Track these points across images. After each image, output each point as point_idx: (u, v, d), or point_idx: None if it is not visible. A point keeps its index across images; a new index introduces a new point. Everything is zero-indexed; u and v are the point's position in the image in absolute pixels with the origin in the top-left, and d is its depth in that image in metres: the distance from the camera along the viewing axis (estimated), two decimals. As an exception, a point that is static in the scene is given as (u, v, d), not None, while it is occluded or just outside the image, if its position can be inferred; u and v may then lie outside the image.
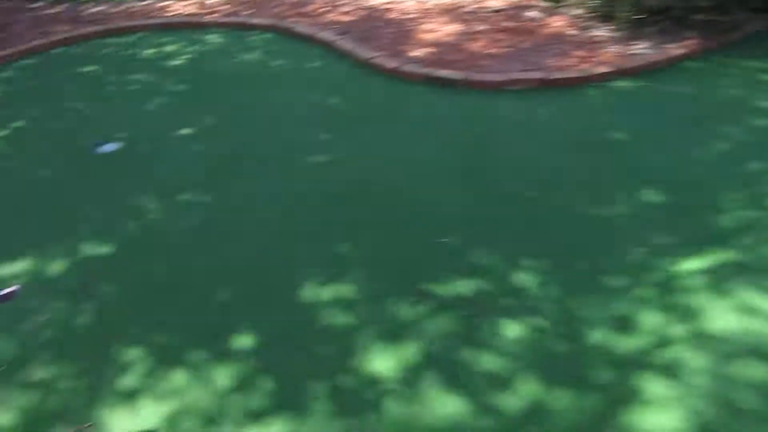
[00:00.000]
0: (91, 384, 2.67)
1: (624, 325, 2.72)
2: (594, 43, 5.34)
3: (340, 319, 2.89)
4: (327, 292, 3.05)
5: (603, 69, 4.87)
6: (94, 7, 7.71)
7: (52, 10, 7.59)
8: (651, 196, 3.52)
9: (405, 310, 2.89)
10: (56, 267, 3.39)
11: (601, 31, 5.52)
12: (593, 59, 5.07)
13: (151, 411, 2.53)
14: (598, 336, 2.68)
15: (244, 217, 3.66)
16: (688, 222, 3.29)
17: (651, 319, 2.73)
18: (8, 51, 6.21)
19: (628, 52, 5.12)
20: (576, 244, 3.22)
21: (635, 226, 3.30)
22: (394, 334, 2.78)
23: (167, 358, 2.76)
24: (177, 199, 3.88)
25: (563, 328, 2.73)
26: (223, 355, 2.75)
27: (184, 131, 4.61)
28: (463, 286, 3.00)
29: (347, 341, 2.77)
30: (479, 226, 3.42)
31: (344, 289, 3.06)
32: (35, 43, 6.38)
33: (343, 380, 2.58)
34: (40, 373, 2.75)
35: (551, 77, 4.82)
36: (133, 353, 2.80)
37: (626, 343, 2.63)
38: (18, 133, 4.80)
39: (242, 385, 2.60)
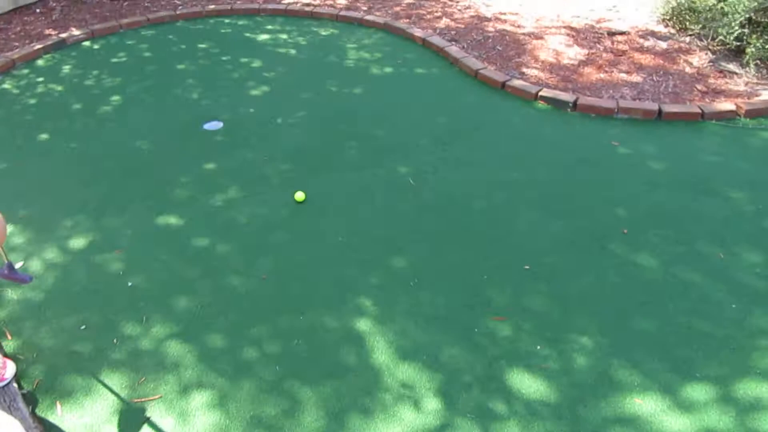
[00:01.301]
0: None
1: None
2: (718, 79, 5.03)
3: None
4: (402, 306, 3.03)
5: (724, 107, 4.56)
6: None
7: (179, -15, 7.94)
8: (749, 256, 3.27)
9: (473, 320, 2.83)
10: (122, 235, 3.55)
11: (729, 66, 5.18)
12: (714, 95, 4.77)
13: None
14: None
15: (324, 214, 3.69)
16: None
17: None
18: (134, 19, 6.54)
19: (755, 93, 4.79)
20: (666, 302, 3.04)
21: (720, 279, 3.07)
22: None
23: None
24: (266, 188, 3.96)
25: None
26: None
27: (283, 120, 4.71)
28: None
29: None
30: (561, 257, 3.29)
31: (422, 300, 3.03)
32: (159, 14, 6.69)
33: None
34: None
35: (666, 110, 4.57)
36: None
37: None
38: (128, 101, 5.04)
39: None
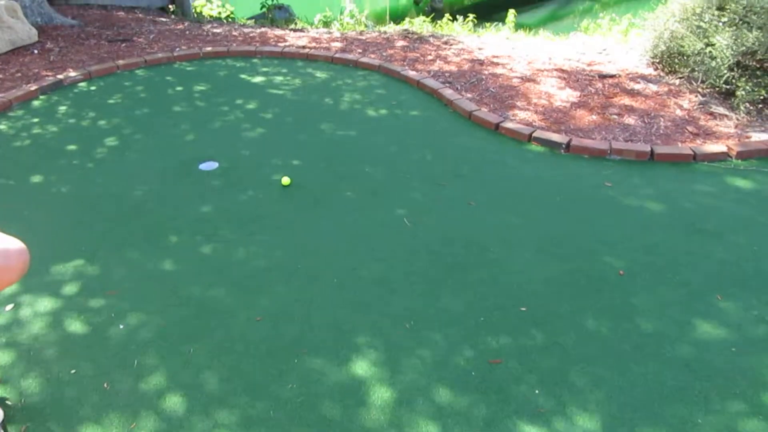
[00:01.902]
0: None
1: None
2: (708, 121, 5.10)
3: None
4: (402, 345, 2.99)
5: (716, 149, 4.62)
6: (215, 27, 8.15)
7: (176, 27, 8.07)
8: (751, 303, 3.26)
9: (474, 366, 2.79)
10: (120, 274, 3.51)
11: (719, 109, 5.27)
12: (706, 137, 4.84)
13: None
14: None
15: (318, 255, 3.67)
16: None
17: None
18: (131, 60, 6.62)
19: (746, 134, 4.86)
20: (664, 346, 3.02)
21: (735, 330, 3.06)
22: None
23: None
24: (261, 229, 3.95)
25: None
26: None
27: (279, 161, 4.72)
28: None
29: (415, 402, 2.67)
30: (558, 298, 3.28)
31: (417, 343, 2.99)
32: (157, 55, 6.78)
33: None
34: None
35: (658, 151, 4.62)
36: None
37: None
38: (124, 142, 5.06)
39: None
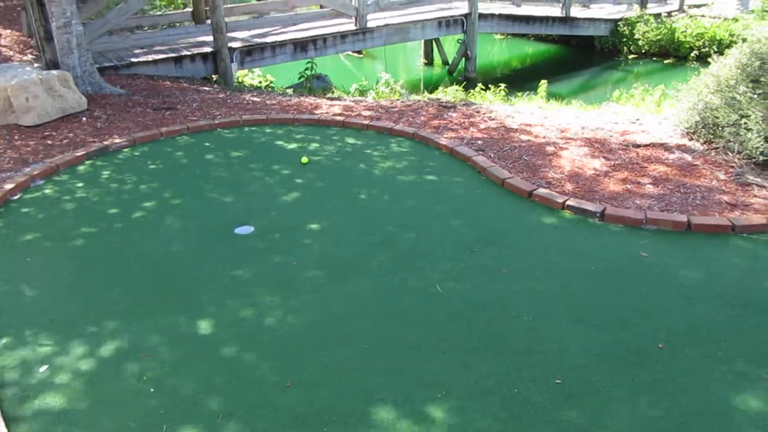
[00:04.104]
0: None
1: None
2: (746, 192, 5.03)
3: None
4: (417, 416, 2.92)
5: (755, 220, 4.53)
6: (254, 96, 8.46)
7: (218, 96, 8.40)
8: (807, 373, 3.12)
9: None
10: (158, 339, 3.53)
11: (756, 180, 5.20)
12: (743, 209, 4.76)
13: None
14: None
15: (351, 320, 3.65)
16: None
17: None
18: (174, 128, 6.88)
19: (785, 206, 4.77)
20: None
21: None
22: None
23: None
24: (295, 293, 3.97)
25: None
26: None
27: (313, 226, 4.78)
28: None
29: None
30: (594, 371, 3.18)
31: (449, 413, 2.91)
32: (199, 123, 7.04)
33: None
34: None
35: (695, 221, 4.55)
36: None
37: None
38: (163, 206, 5.19)
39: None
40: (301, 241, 4.58)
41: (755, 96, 5.44)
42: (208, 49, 9.85)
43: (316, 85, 10.46)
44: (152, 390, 3.14)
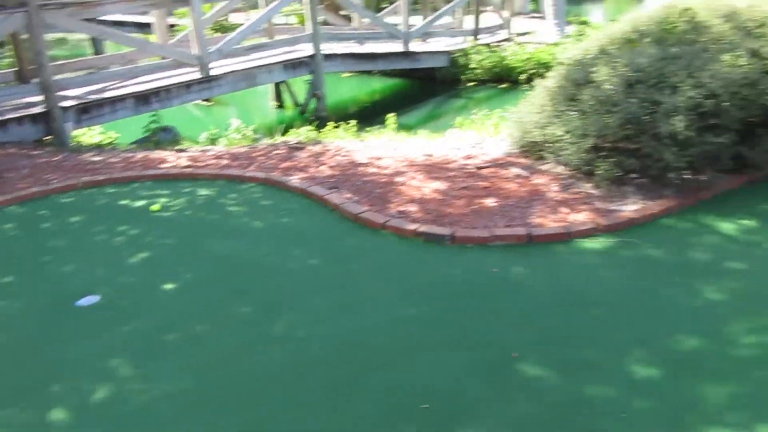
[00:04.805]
0: None
1: None
2: (576, 200, 5.49)
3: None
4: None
5: (584, 226, 4.95)
6: (95, 156, 7.99)
7: (52, 159, 7.84)
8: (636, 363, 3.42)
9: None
10: None
11: (583, 189, 5.69)
12: (575, 216, 5.18)
13: None
14: None
15: (219, 387, 3.51)
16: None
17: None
18: (1, 198, 6.31)
19: (609, 209, 5.25)
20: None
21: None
22: None
23: None
24: (152, 362, 3.74)
25: None
26: None
27: (166, 286, 4.56)
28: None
29: None
30: (460, 390, 3.28)
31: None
32: (30, 190, 6.51)
33: None
34: None
35: (535, 233, 4.89)
36: None
37: None
38: (-2, 284, 4.73)
39: None
40: (154, 303, 4.34)
41: (574, 113, 5.98)
42: (38, 110, 9.19)
43: (163, 137, 10.08)
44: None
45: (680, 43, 6.04)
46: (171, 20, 17.33)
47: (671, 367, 3.38)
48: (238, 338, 3.89)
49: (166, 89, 10.59)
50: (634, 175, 5.75)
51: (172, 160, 7.50)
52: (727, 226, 4.92)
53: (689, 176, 5.61)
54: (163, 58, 11.33)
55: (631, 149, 5.76)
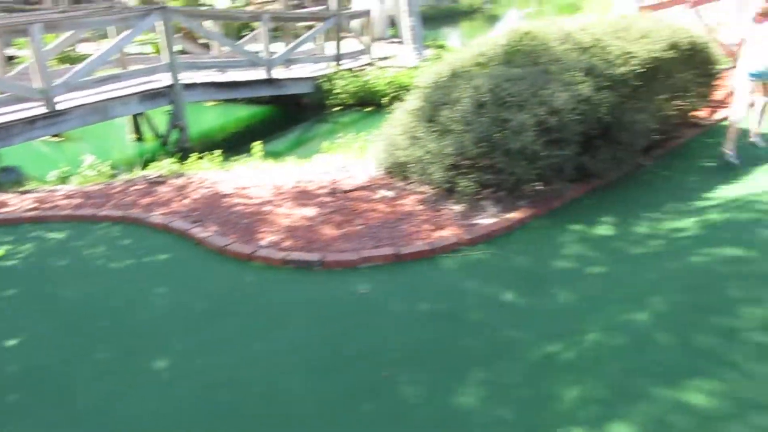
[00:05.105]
0: None
1: None
2: (440, 217, 5.68)
3: None
4: None
5: (449, 241, 5.13)
6: None
7: None
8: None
9: None
10: None
11: (447, 205, 5.91)
12: (439, 232, 5.35)
13: None
14: None
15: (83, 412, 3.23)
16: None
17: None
18: None
19: (471, 223, 5.48)
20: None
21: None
22: None
23: None
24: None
25: None
26: None
27: (10, 342, 4.14)
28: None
29: None
30: (330, 417, 3.25)
31: None
32: None
33: None
34: None
35: (402, 252, 4.99)
36: None
37: None
38: None
39: None
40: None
41: (432, 133, 6.21)
42: None
43: (4, 179, 9.23)
44: None
45: (524, 65, 6.48)
46: (10, 51, 16.09)
47: (530, 369, 3.56)
48: (93, 386, 3.62)
49: (6, 126, 9.73)
50: (491, 190, 6.05)
51: (14, 203, 6.88)
52: (576, 231, 5.30)
53: (541, 187, 6.01)
54: (1, 93, 10.45)
55: (487, 165, 6.06)
